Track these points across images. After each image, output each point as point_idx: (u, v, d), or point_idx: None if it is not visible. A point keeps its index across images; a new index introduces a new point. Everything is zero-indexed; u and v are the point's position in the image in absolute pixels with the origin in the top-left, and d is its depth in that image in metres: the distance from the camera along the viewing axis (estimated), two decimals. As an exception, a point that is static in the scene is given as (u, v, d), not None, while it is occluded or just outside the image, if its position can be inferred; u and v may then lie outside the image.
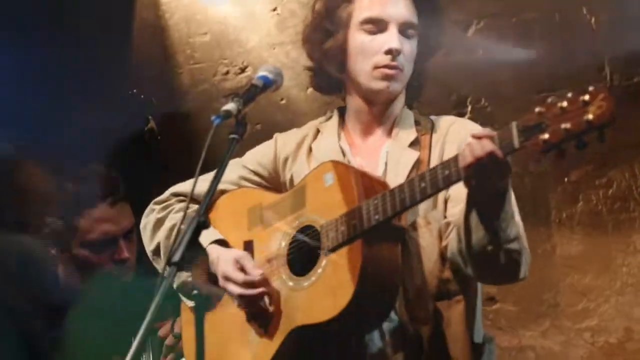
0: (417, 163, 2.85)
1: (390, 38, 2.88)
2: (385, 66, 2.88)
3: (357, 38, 2.91)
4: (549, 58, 4.52)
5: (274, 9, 4.84)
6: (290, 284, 2.82)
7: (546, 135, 2.27)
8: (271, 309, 2.83)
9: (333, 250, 2.72)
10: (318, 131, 3.05)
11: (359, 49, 2.90)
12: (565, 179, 4.49)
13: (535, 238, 4.49)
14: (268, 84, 2.76)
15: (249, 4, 4.92)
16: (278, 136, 3.11)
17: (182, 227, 2.43)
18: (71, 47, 4.88)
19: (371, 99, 2.95)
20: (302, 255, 2.82)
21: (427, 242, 2.79)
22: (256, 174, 3.06)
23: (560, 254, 4.48)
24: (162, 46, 4.99)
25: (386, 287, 2.70)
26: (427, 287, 2.78)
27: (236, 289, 2.84)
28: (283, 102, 4.77)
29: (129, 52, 5.00)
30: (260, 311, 2.85)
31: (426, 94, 4.46)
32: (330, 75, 2.98)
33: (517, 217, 2.72)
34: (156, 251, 3.06)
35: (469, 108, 4.57)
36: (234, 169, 3.04)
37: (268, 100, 4.76)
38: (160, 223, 3.06)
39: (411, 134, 2.93)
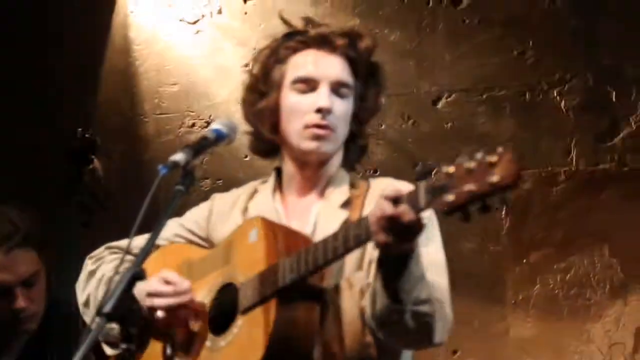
0: (346, 223, 2.78)
1: (320, 96, 2.83)
2: (315, 125, 2.81)
3: (289, 98, 2.86)
4: (516, 136, 4.53)
5: (246, 65, 4.82)
6: (208, 343, 2.74)
7: (451, 197, 2.19)
8: (196, 327, 2.74)
9: (249, 309, 2.65)
10: (255, 191, 3.00)
11: (290, 108, 2.85)
12: (524, 260, 4.47)
13: (490, 317, 4.47)
14: (220, 138, 2.71)
15: (221, 58, 4.92)
16: (215, 196, 3.06)
17: (116, 275, 2.35)
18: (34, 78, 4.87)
19: (303, 159, 2.89)
20: (224, 314, 2.73)
21: (349, 305, 2.71)
22: (192, 232, 3.01)
23: (513, 336, 4.43)
24: (129, 93, 4.95)
25: (300, 349, 2.62)
26: (346, 352, 2.69)
27: (163, 301, 2.73)
28: (247, 159, 4.73)
29: (94, 95, 4.96)
30: (184, 334, 2.76)
31: (390, 161, 4.55)
32: (264, 137, 2.92)
33: (438, 280, 2.65)
34: (86, 303, 2.97)
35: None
36: (171, 227, 2.98)
37: (231, 155, 4.73)
38: (91, 275, 2.98)
39: (343, 195, 2.87)
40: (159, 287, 2.76)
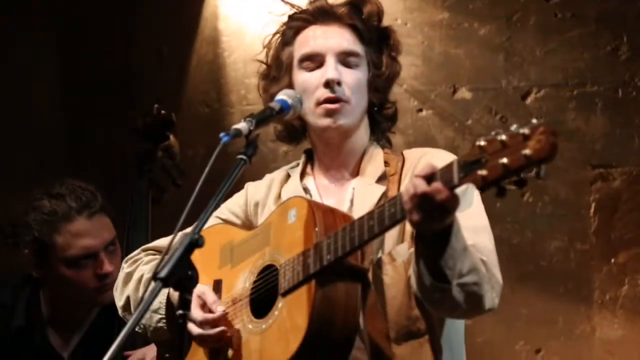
0: (384, 197, 2.72)
1: (326, 70, 2.77)
2: (326, 100, 2.76)
3: (299, 77, 2.82)
4: (607, 133, 4.44)
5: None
6: (250, 326, 2.70)
7: (485, 172, 2.13)
8: (230, 353, 2.71)
9: (289, 291, 2.61)
10: (288, 176, 2.95)
11: (301, 87, 2.80)
12: (612, 260, 4.35)
13: (575, 318, 4.38)
14: (285, 109, 2.67)
15: (309, 51, 4.90)
16: (249, 184, 3.02)
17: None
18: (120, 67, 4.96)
19: (325, 137, 2.83)
20: (265, 296, 2.70)
21: (392, 280, 2.64)
22: (227, 222, 2.97)
23: (599, 337, 4.33)
24: (217, 84, 4.97)
25: (343, 330, 2.56)
26: (393, 327, 2.63)
27: (194, 329, 2.71)
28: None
29: (181, 85, 5.00)
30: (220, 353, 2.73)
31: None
32: (285, 122, 2.87)
33: (482, 241, 2.58)
34: (126, 306, 2.95)
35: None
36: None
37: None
38: (128, 277, 2.96)
39: (378, 169, 2.81)
40: (192, 310, 2.69)
